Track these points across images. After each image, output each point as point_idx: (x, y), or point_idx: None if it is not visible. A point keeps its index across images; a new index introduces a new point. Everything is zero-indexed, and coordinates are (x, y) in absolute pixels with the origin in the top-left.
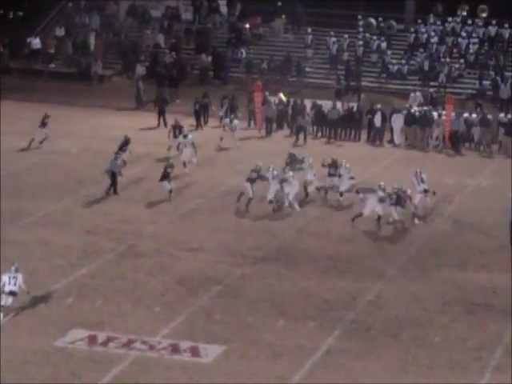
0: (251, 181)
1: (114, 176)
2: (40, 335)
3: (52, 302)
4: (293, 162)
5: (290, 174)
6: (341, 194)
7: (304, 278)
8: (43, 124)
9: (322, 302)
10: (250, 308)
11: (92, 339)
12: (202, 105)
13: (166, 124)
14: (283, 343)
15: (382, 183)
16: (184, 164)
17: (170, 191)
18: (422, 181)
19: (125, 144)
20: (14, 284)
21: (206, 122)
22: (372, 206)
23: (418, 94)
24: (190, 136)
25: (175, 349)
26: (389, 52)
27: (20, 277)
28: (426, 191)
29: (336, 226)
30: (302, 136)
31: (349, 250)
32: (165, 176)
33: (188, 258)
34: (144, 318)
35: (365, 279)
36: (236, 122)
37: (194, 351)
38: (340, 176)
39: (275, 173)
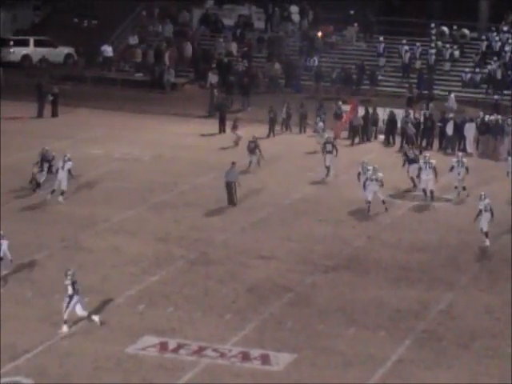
0: (328, 152)
1: (231, 187)
2: (112, 341)
3: (124, 309)
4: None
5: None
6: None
7: (375, 286)
8: (235, 127)
9: (393, 311)
10: (320, 316)
11: (163, 346)
12: (287, 113)
13: (224, 131)
14: (354, 352)
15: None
16: (62, 192)
17: (250, 162)
18: None
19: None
20: None
21: (290, 130)
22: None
23: (452, 95)
24: (69, 163)
25: (246, 356)
26: (461, 60)
27: (5, 244)
28: None
29: (407, 234)
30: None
31: (420, 259)
32: (252, 149)
33: (259, 265)
34: (215, 325)
35: (436, 289)
36: (321, 124)
37: (265, 359)
38: None
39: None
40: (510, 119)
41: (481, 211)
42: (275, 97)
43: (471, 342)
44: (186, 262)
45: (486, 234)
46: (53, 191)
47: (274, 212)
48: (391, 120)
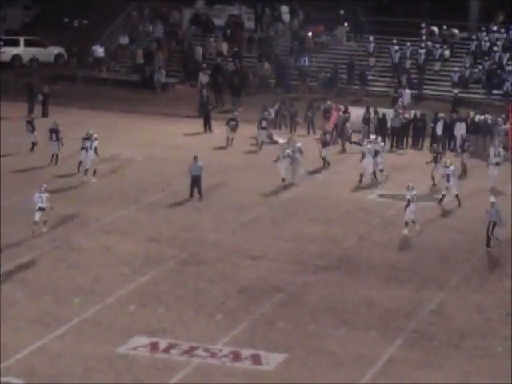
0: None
1: (196, 181)
2: (103, 342)
3: (115, 309)
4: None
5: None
6: None
7: (366, 286)
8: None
9: (384, 310)
10: (311, 316)
11: (154, 346)
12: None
13: (210, 130)
14: (345, 352)
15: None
16: (85, 172)
17: (231, 139)
18: (499, 154)
19: None
20: (41, 202)
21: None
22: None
23: (407, 91)
24: (96, 142)
25: (236, 356)
26: (451, 60)
27: (45, 195)
28: (497, 164)
29: (397, 234)
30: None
31: (411, 258)
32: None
33: (250, 266)
34: (205, 325)
35: (427, 288)
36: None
37: (256, 359)
38: None
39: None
40: (499, 119)
41: (409, 201)
42: (266, 97)
43: (462, 342)
44: (177, 262)
45: (414, 222)
46: (86, 171)
47: (265, 212)
48: (381, 120)
